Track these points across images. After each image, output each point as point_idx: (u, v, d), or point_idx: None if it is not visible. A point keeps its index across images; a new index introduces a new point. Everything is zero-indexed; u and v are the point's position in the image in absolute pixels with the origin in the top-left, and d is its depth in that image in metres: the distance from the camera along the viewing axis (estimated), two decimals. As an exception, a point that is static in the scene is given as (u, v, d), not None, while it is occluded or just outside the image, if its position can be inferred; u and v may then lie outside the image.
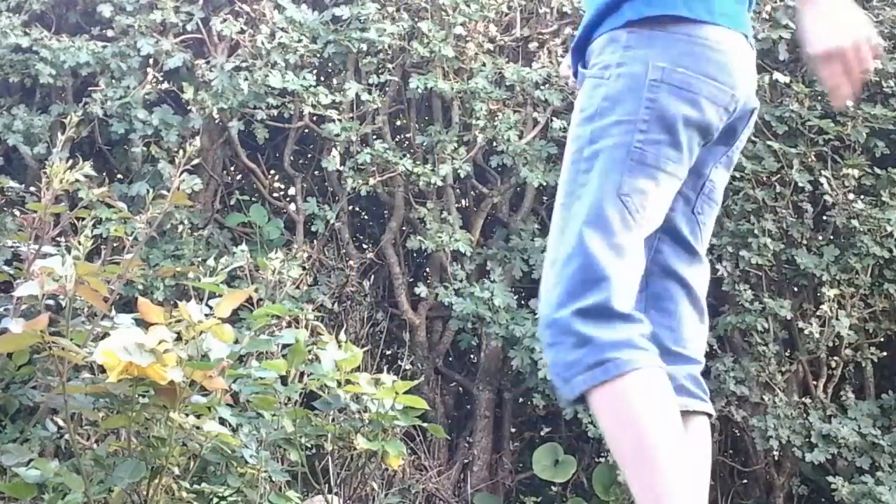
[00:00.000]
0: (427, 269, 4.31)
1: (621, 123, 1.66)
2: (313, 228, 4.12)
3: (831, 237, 3.99)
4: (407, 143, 4.29)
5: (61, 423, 2.55)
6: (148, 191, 3.62)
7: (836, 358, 4.00)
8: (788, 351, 4.08)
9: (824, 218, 4.01)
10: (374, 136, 4.09)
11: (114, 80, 3.89)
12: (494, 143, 3.99)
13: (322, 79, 4.20)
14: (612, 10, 1.70)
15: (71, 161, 2.61)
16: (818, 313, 3.91)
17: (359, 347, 2.90)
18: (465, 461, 4.14)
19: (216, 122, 4.01)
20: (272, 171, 4.44)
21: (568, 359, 1.60)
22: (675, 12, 1.66)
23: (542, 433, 4.36)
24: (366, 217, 4.67)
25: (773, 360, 3.89)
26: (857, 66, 1.65)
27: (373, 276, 4.19)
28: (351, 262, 4.10)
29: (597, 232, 1.64)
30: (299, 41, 3.93)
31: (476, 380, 4.18)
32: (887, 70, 3.99)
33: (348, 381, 2.75)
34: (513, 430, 4.32)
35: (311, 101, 3.91)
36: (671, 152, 1.67)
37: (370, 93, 4.00)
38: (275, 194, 4.36)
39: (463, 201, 4.37)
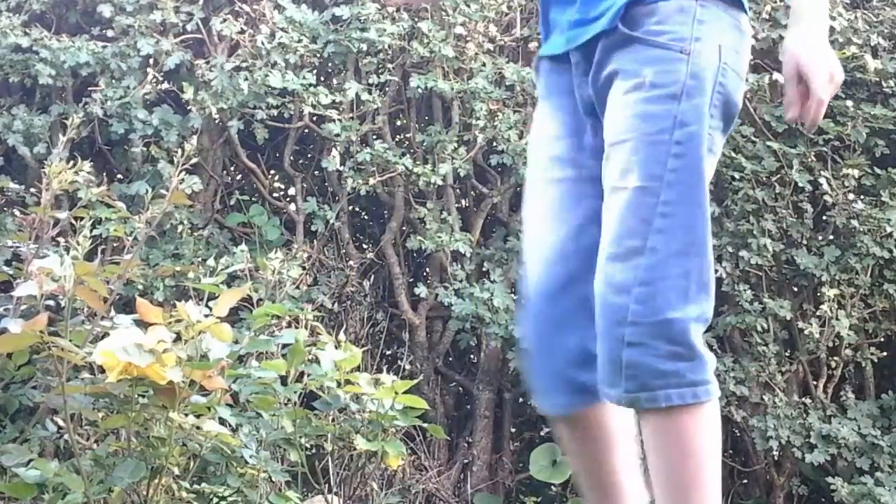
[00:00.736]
0: (427, 270, 4.31)
1: (703, 107, 1.57)
2: (313, 228, 4.11)
3: (831, 237, 3.99)
4: (407, 142, 4.29)
5: (61, 423, 2.55)
6: (147, 190, 3.62)
7: (836, 358, 4.00)
8: (788, 351, 4.08)
9: (824, 218, 4.01)
10: (374, 136, 4.09)
11: (114, 80, 3.89)
12: (494, 143, 3.99)
13: (322, 79, 4.20)
14: None
15: (71, 161, 2.61)
16: (818, 313, 3.91)
17: (358, 347, 2.90)
18: (465, 461, 4.14)
19: (216, 122, 4.01)
20: (272, 171, 4.44)
21: (661, 367, 1.49)
22: None
23: (542, 433, 4.36)
24: (366, 217, 4.67)
25: (772, 361, 3.89)
26: (819, 99, 1.58)
27: (373, 277, 4.19)
28: (351, 262, 4.10)
29: (708, 231, 1.55)
30: (299, 41, 3.93)
31: (476, 380, 4.18)
32: (887, 70, 3.99)
33: (348, 382, 2.75)
34: (513, 430, 4.32)
35: (311, 101, 3.91)
36: (721, 141, 1.62)
37: (370, 93, 4.00)
38: (275, 194, 4.36)
39: (463, 201, 4.37)
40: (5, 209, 3.80)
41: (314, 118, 4.11)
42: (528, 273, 1.68)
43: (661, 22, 1.58)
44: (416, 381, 3.02)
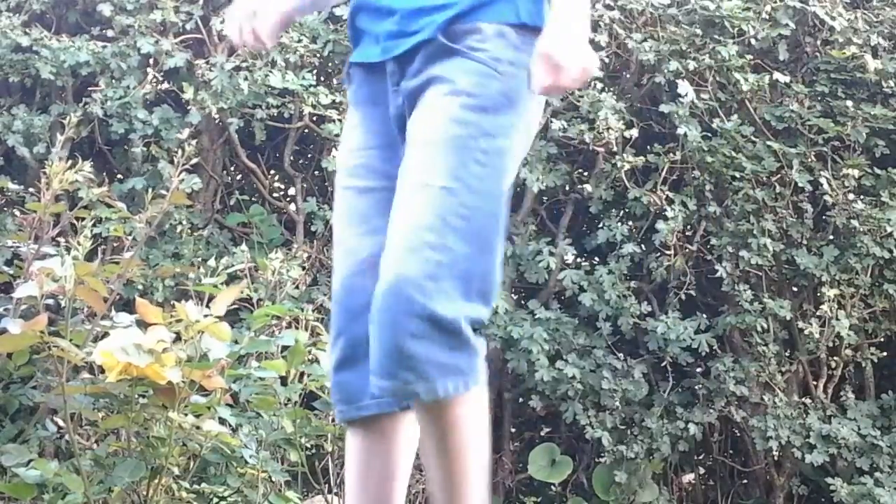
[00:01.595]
0: (427, 269, 4.30)
1: (512, 127, 1.63)
2: (313, 228, 4.11)
3: (831, 237, 3.99)
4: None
5: (61, 423, 2.55)
6: (147, 189, 3.62)
7: (835, 358, 4.00)
8: (788, 351, 4.08)
9: (824, 218, 4.01)
10: (374, 136, 4.08)
11: (114, 80, 3.89)
12: (494, 143, 3.98)
13: (322, 79, 4.20)
14: (501, 6, 1.66)
15: (71, 161, 2.61)
16: (818, 313, 3.91)
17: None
18: (465, 461, 4.14)
19: (216, 121, 4.01)
20: (272, 171, 4.44)
21: (440, 359, 1.54)
22: (542, 27, 1.65)
23: (541, 434, 4.36)
24: (366, 217, 4.66)
25: (772, 361, 3.89)
26: (562, 85, 1.57)
27: (373, 277, 4.18)
28: (351, 262, 4.09)
29: (499, 241, 1.62)
30: (299, 41, 3.93)
31: (476, 380, 4.17)
32: (887, 70, 3.99)
33: (348, 382, 2.75)
34: (512, 430, 4.32)
35: (311, 101, 3.91)
36: (519, 161, 1.70)
37: (370, 93, 3.99)
38: (275, 194, 4.36)
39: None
40: (5, 209, 3.80)
41: (314, 118, 4.11)
42: (341, 284, 1.68)
43: (482, 41, 1.63)
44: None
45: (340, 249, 1.70)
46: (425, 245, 1.53)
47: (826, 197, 3.90)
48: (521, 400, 4.22)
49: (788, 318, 3.90)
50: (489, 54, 1.63)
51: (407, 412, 1.71)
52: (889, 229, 3.86)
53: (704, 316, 3.92)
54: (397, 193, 1.61)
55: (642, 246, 3.98)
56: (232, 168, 4.45)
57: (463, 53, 1.62)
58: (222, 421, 2.55)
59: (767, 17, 4.01)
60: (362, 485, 1.74)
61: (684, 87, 3.83)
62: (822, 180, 3.90)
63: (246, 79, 3.85)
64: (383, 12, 1.69)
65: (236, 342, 2.52)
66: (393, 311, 1.52)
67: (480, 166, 1.59)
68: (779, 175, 3.94)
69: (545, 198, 4.31)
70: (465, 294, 1.56)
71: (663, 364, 3.89)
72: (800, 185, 3.90)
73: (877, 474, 3.79)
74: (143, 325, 2.41)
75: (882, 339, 4.06)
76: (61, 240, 2.73)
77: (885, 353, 4.05)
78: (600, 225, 4.02)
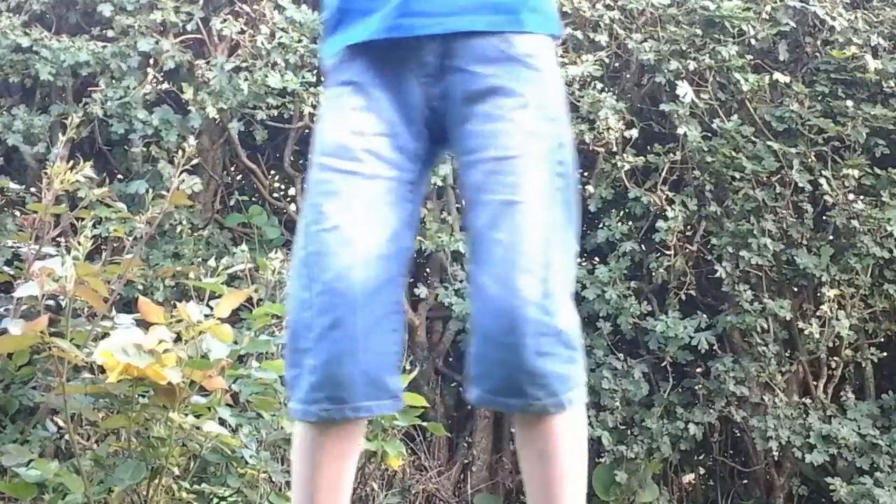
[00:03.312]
0: (427, 270, 4.31)
1: (569, 130, 1.68)
2: (313, 228, 4.11)
3: (831, 237, 3.99)
4: (407, 143, 4.29)
5: (61, 423, 2.55)
6: (147, 190, 3.62)
7: (836, 358, 4.00)
8: (788, 351, 4.08)
9: (824, 218, 4.01)
10: (374, 137, 4.08)
11: (114, 80, 3.89)
12: (494, 144, 3.98)
13: (322, 79, 4.20)
14: (547, 17, 1.69)
15: (71, 161, 2.61)
16: (818, 314, 3.91)
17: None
18: (465, 461, 4.14)
19: (216, 122, 4.01)
20: (272, 172, 4.44)
21: (564, 373, 1.57)
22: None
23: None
24: (366, 217, 4.66)
25: (773, 361, 3.89)
26: None
27: (373, 277, 4.18)
28: (351, 263, 4.09)
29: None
30: (299, 41, 3.93)
31: (476, 380, 4.17)
32: (887, 70, 3.99)
33: (348, 382, 2.75)
34: (513, 430, 4.31)
35: (311, 101, 3.91)
36: None
37: (370, 93, 3.99)
38: (275, 194, 4.36)
39: (463, 201, 4.36)
40: (5, 209, 3.80)
41: (314, 118, 4.10)
42: (338, 272, 1.58)
43: (536, 53, 1.65)
44: (414, 373, 3.02)
45: (334, 234, 1.59)
46: (534, 264, 1.55)
47: (826, 197, 3.90)
48: (521, 400, 4.21)
49: (788, 318, 3.90)
50: (539, 59, 1.65)
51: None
52: (889, 229, 3.86)
53: (704, 316, 3.92)
54: (481, 209, 1.60)
55: (642, 246, 3.98)
56: (232, 168, 4.45)
57: (520, 61, 1.63)
58: (222, 421, 2.55)
59: (767, 17, 4.01)
60: (324, 485, 1.69)
61: (683, 88, 3.83)
62: (822, 180, 3.90)
63: (246, 79, 3.85)
64: None
65: (236, 342, 2.52)
66: (518, 333, 1.53)
67: (561, 177, 1.62)
68: (779, 175, 3.94)
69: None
70: (567, 301, 1.60)
71: (663, 364, 3.89)
72: (800, 185, 3.90)
73: (877, 474, 3.79)
74: (144, 324, 2.41)
75: (882, 339, 4.05)
76: (62, 240, 2.73)
77: (885, 353, 4.05)
78: (600, 225, 4.02)
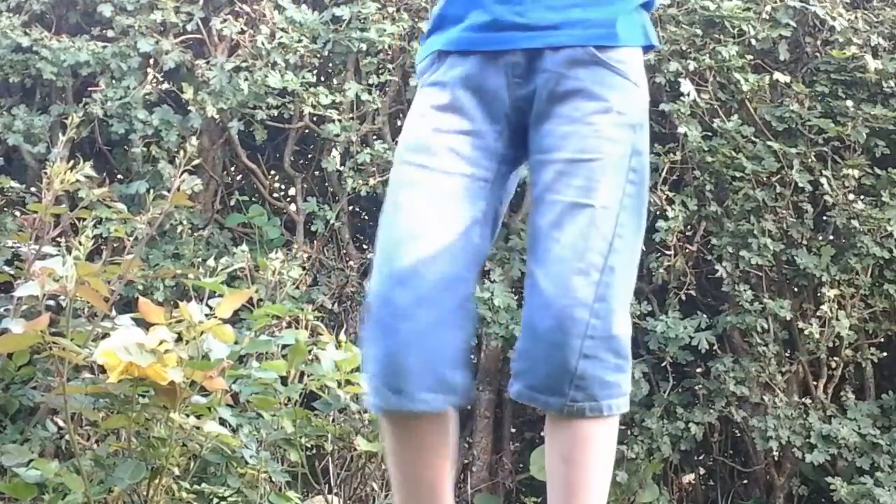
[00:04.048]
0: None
1: (648, 138, 1.70)
2: (313, 228, 4.11)
3: (831, 237, 3.99)
4: (407, 143, 4.29)
5: (61, 423, 2.55)
6: (148, 190, 3.62)
7: (836, 358, 4.00)
8: (788, 351, 4.08)
9: (824, 218, 4.01)
10: (375, 137, 4.09)
11: (114, 81, 3.89)
12: (494, 144, 3.98)
13: (322, 79, 4.20)
14: (641, 28, 1.71)
15: (71, 161, 2.61)
16: (818, 314, 3.90)
17: (359, 348, 2.90)
18: (465, 461, 4.14)
19: (216, 122, 4.01)
20: (272, 172, 4.44)
21: (608, 379, 1.58)
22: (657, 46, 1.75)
23: (542, 434, 4.35)
24: (366, 217, 4.67)
25: (773, 361, 3.89)
26: None
27: (373, 277, 4.18)
28: (351, 263, 4.10)
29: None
30: (299, 41, 3.93)
31: (476, 380, 4.17)
32: (887, 70, 3.98)
33: (348, 382, 2.75)
34: (513, 430, 4.32)
35: (311, 101, 3.91)
36: None
37: (370, 93, 4.00)
38: (275, 194, 4.36)
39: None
40: (5, 209, 3.80)
41: (314, 118, 4.11)
42: (409, 265, 1.59)
43: (627, 62, 1.68)
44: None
45: (407, 226, 1.62)
46: (592, 267, 1.57)
47: (826, 197, 3.90)
48: (521, 400, 4.21)
49: (788, 318, 3.90)
50: (629, 66, 1.67)
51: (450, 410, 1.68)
52: (889, 229, 3.86)
53: (705, 316, 3.92)
54: (547, 208, 1.62)
55: (642, 246, 3.97)
56: (232, 168, 4.45)
57: (609, 66, 1.65)
58: (223, 421, 2.55)
59: (768, 17, 4.01)
60: (411, 477, 1.69)
61: (686, 85, 3.84)
62: (823, 180, 3.90)
63: (246, 79, 3.85)
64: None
65: (237, 342, 2.52)
66: (565, 332, 1.55)
67: (633, 185, 1.64)
68: (779, 175, 3.93)
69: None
70: (625, 310, 1.61)
71: (663, 364, 3.89)
72: (800, 185, 3.90)
73: (877, 474, 3.79)
74: (144, 325, 2.41)
75: (882, 340, 4.05)
76: (62, 240, 2.73)
77: (885, 354, 4.05)
78: (600, 225, 4.01)
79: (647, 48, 1.73)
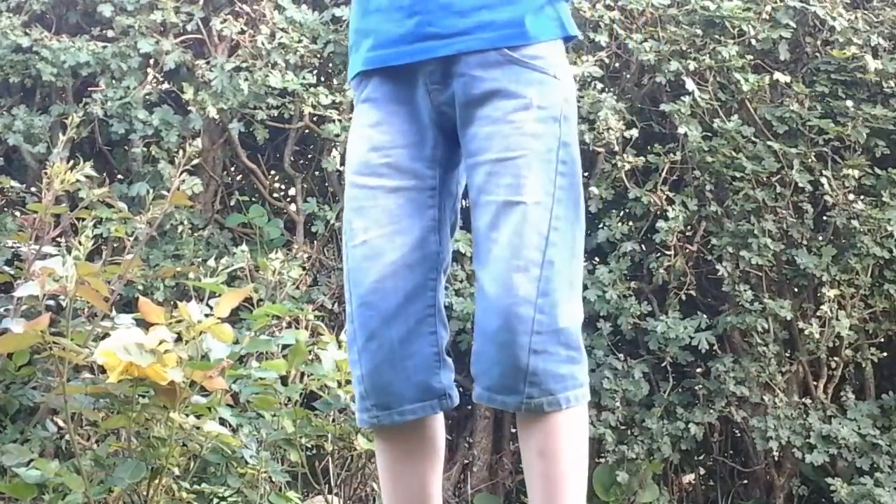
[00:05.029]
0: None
1: (575, 128, 1.70)
2: (313, 229, 4.11)
3: (831, 237, 3.99)
4: (407, 143, 4.28)
5: (61, 423, 2.55)
6: (148, 191, 3.62)
7: (836, 358, 4.00)
8: (788, 351, 4.08)
9: (824, 218, 4.01)
10: (375, 137, 4.08)
11: (114, 81, 3.89)
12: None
13: (322, 79, 4.20)
14: (555, 20, 1.71)
15: (71, 161, 2.61)
16: (818, 314, 3.91)
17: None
18: (465, 461, 4.14)
19: (216, 122, 4.01)
20: (272, 172, 4.44)
21: (561, 372, 1.59)
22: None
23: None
24: (366, 217, 4.66)
25: (773, 361, 3.89)
26: None
27: (373, 277, 4.17)
28: (351, 263, 4.09)
29: (583, 241, 1.70)
30: (299, 41, 3.93)
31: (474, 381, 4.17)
32: (887, 70, 3.99)
33: (349, 382, 2.75)
34: (513, 430, 4.32)
35: (312, 102, 3.91)
36: None
37: (370, 93, 3.99)
38: (275, 194, 4.36)
39: (463, 201, 4.36)
40: (5, 209, 3.80)
41: (314, 118, 4.11)
42: (370, 287, 1.65)
43: (543, 55, 1.68)
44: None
45: (362, 250, 1.67)
46: (530, 263, 1.58)
47: (826, 197, 3.90)
48: (521, 400, 4.21)
49: (789, 318, 3.90)
50: (545, 61, 1.67)
51: (439, 413, 1.72)
52: (889, 229, 3.86)
53: (705, 316, 3.92)
54: (482, 210, 1.65)
55: (642, 246, 3.98)
56: (232, 168, 4.45)
57: (523, 63, 1.65)
58: (223, 421, 2.55)
59: (768, 17, 4.01)
60: (402, 488, 1.73)
61: (690, 84, 3.84)
62: (823, 180, 3.90)
63: (246, 79, 3.85)
64: (404, 12, 1.67)
65: (237, 342, 2.52)
66: (512, 331, 1.56)
67: (563, 177, 1.64)
68: (779, 175, 3.94)
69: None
70: (571, 302, 1.62)
71: (663, 364, 3.89)
72: (800, 185, 3.90)
73: (877, 474, 3.79)
74: (144, 324, 2.41)
75: (882, 340, 4.05)
76: (62, 240, 2.73)
77: (885, 354, 4.05)
78: (601, 225, 4.02)
79: (568, 39, 1.73)
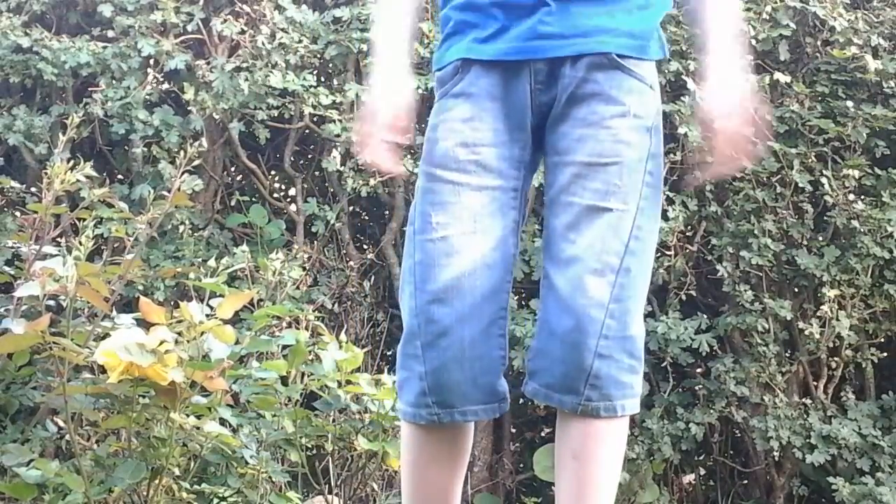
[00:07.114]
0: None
1: (662, 141, 1.72)
2: (314, 229, 4.11)
3: (832, 238, 3.99)
4: (407, 143, 4.29)
5: (61, 423, 2.55)
6: (149, 192, 3.62)
7: (836, 359, 4.00)
8: (789, 352, 4.08)
9: (825, 218, 4.01)
10: (375, 137, 4.08)
11: (114, 81, 3.89)
12: (495, 144, 3.98)
13: (322, 79, 4.20)
14: (660, 40, 1.74)
15: (72, 161, 2.61)
16: (818, 314, 3.90)
17: (359, 348, 2.90)
18: (466, 461, 4.14)
19: (217, 122, 4.01)
20: (272, 172, 4.44)
21: (622, 379, 1.60)
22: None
23: (542, 434, 4.36)
24: (366, 217, 4.67)
25: (773, 361, 3.89)
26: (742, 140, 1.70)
27: (373, 277, 4.19)
28: (351, 263, 4.10)
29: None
30: (300, 42, 3.93)
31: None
32: (887, 70, 3.99)
33: (349, 382, 2.75)
34: (513, 430, 4.32)
35: (312, 102, 3.91)
36: None
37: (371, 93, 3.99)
38: (275, 195, 4.36)
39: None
40: (6, 209, 3.81)
41: (315, 119, 4.11)
42: (448, 283, 1.62)
43: (646, 69, 1.71)
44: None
45: (441, 245, 1.64)
46: (608, 268, 1.59)
47: (826, 197, 3.90)
48: (521, 400, 4.22)
49: (789, 318, 3.90)
50: (644, 71, 1.69)
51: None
52: (889, 229, 3.86)
53: (705, 316, 3.92)
54: (562, 209, 1.65)
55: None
56: (232, 169, 4.46)
57: (627, 70, 1.66)
58: (223, 421, 2.55)
59: (768, 17, 4.01)
60: (427, 487, 1.73)
61: (692, 85, 3.84)
62: (823, 181, 3.90)
63: (246, 79, 3.85)
64: (525, 9, 1.66)
65: (237, 342, 2.52)
66: (583, 332, 1.57)
67: (649, 187, 1.66)
68: (779, 175, 3.94)
69: (545, 197, 4.30)
70: (639, 312, 1.63)
71: (664, 364, 3.89)
72: (800, 185, 3.90)
73: (878, 474, 3.79)
74: (144, 325, 2.41)
75: (882, 340, 4.05)
76: (62, 240, 2.73)
77: (885, 354, 4.05)
78: (601, 225, 4.01)
79: (660, 60, 1.76)
